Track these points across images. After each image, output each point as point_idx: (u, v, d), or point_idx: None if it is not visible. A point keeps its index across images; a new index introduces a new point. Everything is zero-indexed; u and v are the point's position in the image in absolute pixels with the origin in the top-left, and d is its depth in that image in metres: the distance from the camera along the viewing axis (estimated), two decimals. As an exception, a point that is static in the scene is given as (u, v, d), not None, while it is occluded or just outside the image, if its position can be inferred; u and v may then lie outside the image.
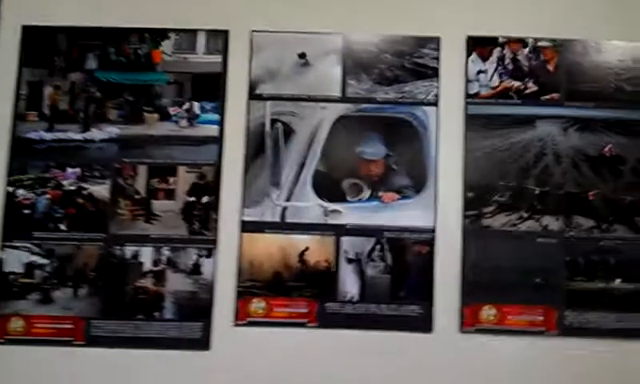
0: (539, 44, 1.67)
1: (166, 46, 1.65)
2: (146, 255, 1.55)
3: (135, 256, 1.56)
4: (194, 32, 1.65)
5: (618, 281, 1.58)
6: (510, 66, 1.67)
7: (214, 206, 1.58)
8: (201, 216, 1.57)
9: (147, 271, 1.55)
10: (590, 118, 1.64)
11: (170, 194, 1.58)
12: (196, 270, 1.55)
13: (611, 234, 1.60)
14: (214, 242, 1.56)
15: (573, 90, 1.65)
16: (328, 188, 1.60)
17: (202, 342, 1.53)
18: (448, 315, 1.56)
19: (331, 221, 1.59)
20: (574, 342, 1.56)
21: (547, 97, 1.65)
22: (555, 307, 1.57)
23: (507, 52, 1.67)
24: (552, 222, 1.60)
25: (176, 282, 1.55)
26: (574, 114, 1.64)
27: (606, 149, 1.63)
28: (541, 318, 1.56)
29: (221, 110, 1.62)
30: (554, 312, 1.57)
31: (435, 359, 1.55)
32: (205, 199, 1.58)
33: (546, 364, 1.56)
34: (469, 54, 1.66)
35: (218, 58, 1.64)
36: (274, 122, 1.62)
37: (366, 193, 1.60)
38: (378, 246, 1.58)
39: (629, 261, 1.59)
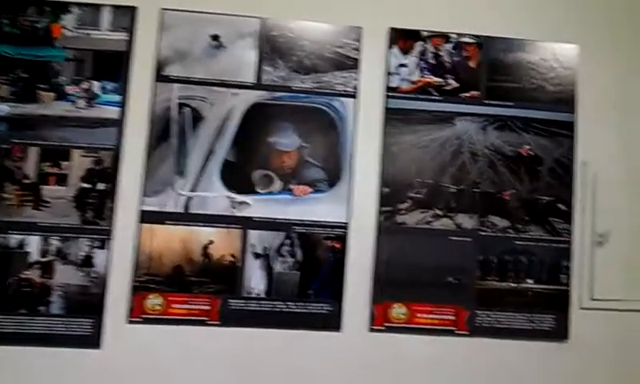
0: (462, 40, 1.69)
1: (67, 20, 1.58)
2: (33, 245, 1.48)
3: (21, 245, 1.48)
4: (98, 7, 1.58)
5: (529, 281, 1.63)
6: (432, 61, 1.68)
7: (110, 193, 1.52)
8: (95, 204, 1.51)
9: (34, 262, 1.48)
10: (509, 116, 1.67)
11: (62, 180, 1.51)
12: (88, 262, 1.49)
13: (525, 235, 1.64)
14: (108, 232, 1.51)
15: (493, 87, 1.68)
16: (237, 179, 1.57)
17: (92, 340, 1.47)
18: (358, 313, 1.57)
19: (239, 213, 1.56)
20: (484, 341, 1.60)
21: (467, 94, 1.67)
22: (466, 307, 1.59)
23: (429, 46, 1.68)
24: (466, 221, 1.63)
25: (65, 275, 1.48)
26: (493, 112, 1.67)
27: (523, 149, 1.66)
28: (451, 317, 1.59)
29: (123, 91, 1.56)
30: (465, 311, 1.59)
31: (344, 358, 1.56)
32: (101, 186, 1.52)
33: (455, 363, 1.59)
34: (390, 47, 1.66)
35: (124, 36, 1.58)
36: (181, 106, 1.57)
37: (278, 185, 1.58)
38: (288, 241, 1.56)
39: (541, 262, 1.64)
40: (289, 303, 1.54)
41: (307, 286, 1.55)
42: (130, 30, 1.58)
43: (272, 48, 1.62)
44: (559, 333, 1.61)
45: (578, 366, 1.61)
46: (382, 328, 1.56)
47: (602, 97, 1.70)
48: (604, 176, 1.67)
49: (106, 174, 1.52)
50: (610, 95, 1.71)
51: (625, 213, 1.67)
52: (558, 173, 1.66)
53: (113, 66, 1.56)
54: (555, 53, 1.71)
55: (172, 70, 1.58)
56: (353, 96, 1.63)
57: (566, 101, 1.69)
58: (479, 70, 1.68)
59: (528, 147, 1.66)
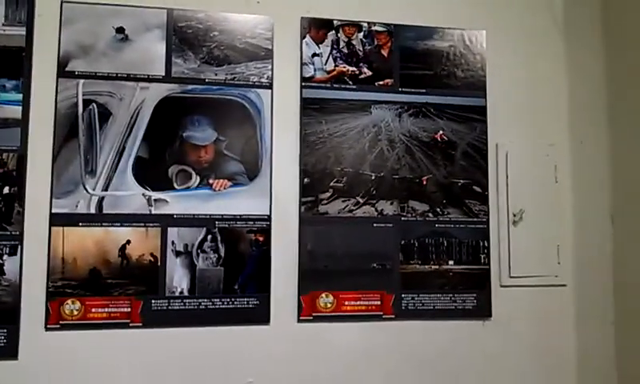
0: (373, 28, 1.98)
1: (-44, 13, 1.66)
2: None
3: None
4: (-10, 0, 1.68)
5: (451, 263, 1.94)
6: (345, 50, 1.95)
7: (17, 197, 1.65)
8: (2, 209, 1.63)
9: None
10: (423, 103, 1.98)
11: (-38, 185, 1.60)
12: (-2, 270, 1.59)
13: (444, 218, 1.96)
14: (18, 237, 1.64)
15: (406, 75, 1.98)
16: (152, 175, 1.75)
17: (7, 350, 1.60)
18: (285, 305, 1.80)
19: (156, 211, 1.73)
20: (410, 324, 1.88)
21: (381, 82, 1.96)
22: (391, 291, 1.88)
23: (342, 36, 1.95)
24: (388, 207, 1.91)
25: (-27, 285, 1.57)
26: (408, 99, 1.96)
27: (438, 134, 2.02)
28: (377, 303, 1.87)
29: (25, 88, 1.69)
30: (390, 296, 1.88)
31: (273, 351, 1.77)
32: (6, 190, 1.64)
33: (383, 347, 1.85)
34: (303, 37, 1.92)
35: (22, 31, 1.71)
36: (87, 102, 1.73)
37: (195, 180, 1.78)
38: (210, 237, 1.76)
39: (461, 243, 1.95)
40: (214, 300, 1.74)
41: (233, 281, 1.76)
42: (29, 24, 1.71)
43: (181, 39, 1.81)
44: (482, 311, 1.93)
45: (501, 342, 1.93)
46: (310, 318, 1.81)
47: (511, 79, 2.04)
48: (516, 156, 2.00)
49: (11, 176, 1.64)
50: (518, 77, 2.05)
51: (536, 191, 2.01)
52: (472, 156, 1.98)
53: (11, 63, 1.68)
54: (464, 39, 2.03)
55: (76, 66, 1.74)
56: (268, 87, 1.86)
57: (476, 85, 2.02)
58: (391, 58, 1.97)
59: (442, 132, 1.98)
